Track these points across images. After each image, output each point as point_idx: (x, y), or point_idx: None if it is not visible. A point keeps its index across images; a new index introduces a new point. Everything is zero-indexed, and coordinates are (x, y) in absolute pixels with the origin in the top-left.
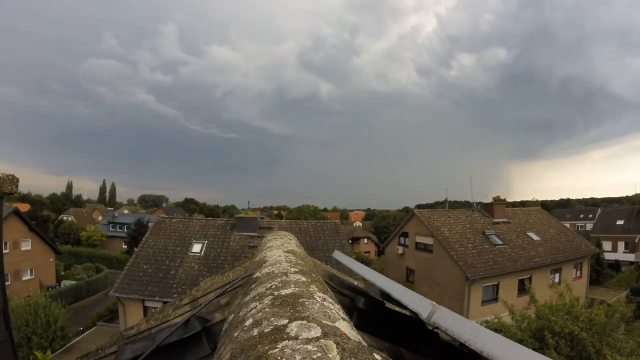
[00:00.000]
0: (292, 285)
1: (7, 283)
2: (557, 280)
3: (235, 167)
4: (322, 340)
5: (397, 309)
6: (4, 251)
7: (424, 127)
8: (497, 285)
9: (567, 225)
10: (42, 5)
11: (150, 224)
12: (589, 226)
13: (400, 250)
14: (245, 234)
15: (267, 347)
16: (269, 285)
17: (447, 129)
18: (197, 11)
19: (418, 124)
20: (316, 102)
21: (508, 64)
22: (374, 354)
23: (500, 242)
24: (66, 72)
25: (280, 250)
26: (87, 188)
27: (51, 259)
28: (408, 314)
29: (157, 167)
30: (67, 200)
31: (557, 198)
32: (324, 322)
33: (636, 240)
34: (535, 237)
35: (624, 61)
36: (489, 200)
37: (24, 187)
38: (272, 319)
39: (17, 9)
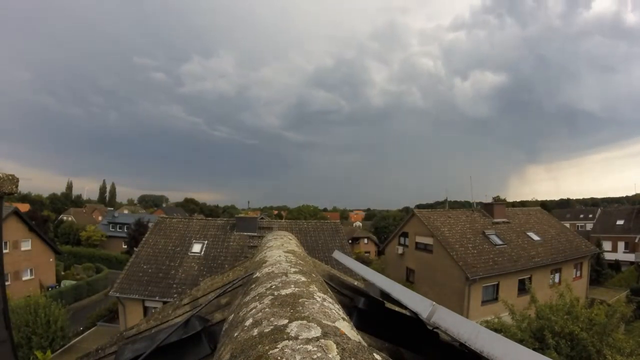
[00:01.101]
0: (292, 285)
1: (7, 283)
2: (557, 280)
3: (236, 169)
4: (322, 340)
5: (397, 309)
6: (4, 251)
7: (425, 131)
8: (497, 285)
9: (567, 225)
10: (94, 24)
11: (150, 224)
12: (589, 226)
13: (400, 250)
14: (245, 234)
15: (267, 347)
16: (269, 285)
17: (447, 135)
18: (241, 33)
19: (419, 128)
20: (329, 115)
21: (505, 88)
22: (374, 354)
23: (500, 242)
24: (107, 83)
25: (280, 251)
26: (87, 188)
27: (51, 259)
28: (408, 314)
29: (158, 167)
30: (67, 200)
31: (557, 198)
32: (324, 322)
33: (636, 240)
34: (535, 237)
35: (598, 83)
36: (489, 200)
37: (36, 188)
38: (272, 319)
39: (67, 26)
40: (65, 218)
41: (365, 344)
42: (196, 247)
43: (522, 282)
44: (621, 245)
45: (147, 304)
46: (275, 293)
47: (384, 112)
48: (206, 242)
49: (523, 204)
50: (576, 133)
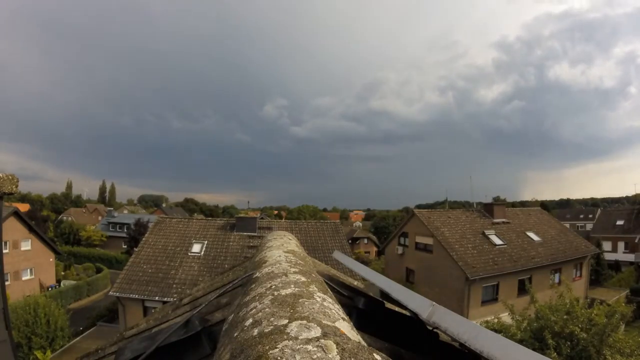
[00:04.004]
0: (292, 285)
1: (7, 283)
2: (557, 280)
3: (236, 170)
4: (322, 341)
5: (397, 309)
6: (4, 251)
7: (427, 142)
8: (497, 285)
9: (567, 225)
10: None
11: (150, 224)
12: (589, 226)
13: (400, 250)
14: (245, 234)
15: (267, 347)
16: (268, 285)
17: (447, 137)
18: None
19: (423, 142)
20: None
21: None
22: (374, 354)
23: (500, 242)
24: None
25: (280, 251)
26: (86, 188)
27: (51, 259)
28: (408, 314)
29: (158, 168)
30: (67, 200)
31: (557, 198)
32: (324, 322)
33: (636, 241)
34: (535, 238)
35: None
36: (488, 200)
37: (36, 188)
38: (272, 319)
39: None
40: (65, 218)
41: (365, 344)
42: (196, 247)
43: (522, 283)
44: (621, 245)
45: (147, 304)
46: (275, 293)
47: (393, 133)
48: (206, 242)
49: (523, 204)
50: (576, 147)
